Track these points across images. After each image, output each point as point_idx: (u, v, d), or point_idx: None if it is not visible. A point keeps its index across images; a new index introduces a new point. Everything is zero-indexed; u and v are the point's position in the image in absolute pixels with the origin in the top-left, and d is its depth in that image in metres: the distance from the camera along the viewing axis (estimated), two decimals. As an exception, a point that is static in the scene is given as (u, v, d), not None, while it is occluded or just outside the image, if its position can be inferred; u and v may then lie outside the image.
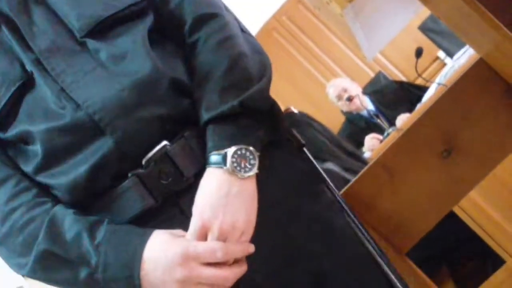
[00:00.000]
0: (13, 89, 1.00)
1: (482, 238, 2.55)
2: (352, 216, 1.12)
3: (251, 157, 0.96)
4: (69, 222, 0.97)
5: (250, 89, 0.98)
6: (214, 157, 0.96)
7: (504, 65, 1.41)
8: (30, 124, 1.00)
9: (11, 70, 1.02)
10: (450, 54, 3.87)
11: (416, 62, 2.55)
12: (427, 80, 3.41)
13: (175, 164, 0.98)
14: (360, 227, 1.12)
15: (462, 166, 1.54)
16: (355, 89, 3.92)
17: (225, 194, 0.94)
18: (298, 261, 1.01)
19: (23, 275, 1.00)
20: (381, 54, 4.68)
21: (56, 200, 1.01)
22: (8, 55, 1.03)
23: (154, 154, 0.97)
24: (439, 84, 2.48)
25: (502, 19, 0.97)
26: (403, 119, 3.39)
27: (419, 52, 2.61)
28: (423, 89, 3.76)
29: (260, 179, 0.98)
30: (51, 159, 0.99)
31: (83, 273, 0.95)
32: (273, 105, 1.06)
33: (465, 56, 2.62)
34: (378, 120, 3.72)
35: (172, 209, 0.99)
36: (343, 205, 1.14)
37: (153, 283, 0.93)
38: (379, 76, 4.41)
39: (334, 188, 1.16)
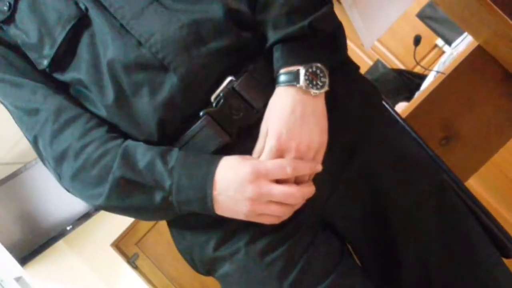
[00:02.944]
0: (68, 27, 1.00)
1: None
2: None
3: (321, 74, 0.95)
4: (142, 151, 0.99)
5: (319, 11, 0.97)
6: (284, 76, 0.96)
7: (502, 52, 1.41)
8: (92, 66, 1.00)
9: (65, 9, 1.01)
10: (449, 42, 3.85)
11: (415, 50, 2.54)
12: (426, 68, 3.40)
13: (244, 98, 0.97)
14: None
15: (461, 153, 1.54)
16: (357, 64, 3.88)
17: (300, 114, 0.95)
18: (361, 180, 1.03)
19: (98, 205, 1.02)
20: (379, 42, 4.66)
21: (128, 137, 1.03)
22: None
23: (222, 90, 0.97)
24: (437, 72, 2.47)
25: (501, 6, 0.97)
26: (401, 107, 3.38)
27: (417, 40, 2.60)
28: (422, 77, 3.74)
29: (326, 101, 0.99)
30: (119, 98, 1.00)
31: (158, 196, 0.97)
32: (339, 27, 1.05)
33: (464, 43, 2.61)
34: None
35: (247, 142, 0.99)
36: (408, 127, 1.16)
37: (225, 203, 0.96)
38: (377, 64, 4.39)
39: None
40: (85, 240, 4.47)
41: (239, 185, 0.94)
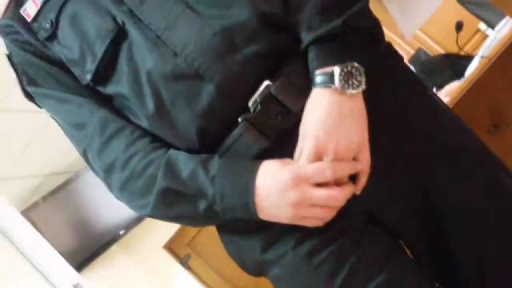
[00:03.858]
0: (107, 41, 1.03)
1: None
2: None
3: (357, 73, 0.94)
4: (184, 160, 1.00)
5: (353, 8, 0.96)
6: (320, 77, 0.95)
7: (548, 35, 1.37)
8: (132, 78, 1.03)
9: (103, 24, 1.04)
10: (492, 25, 3.77)
11: (457, 36, 2.50)
12: (469, 55, 3.33)
13: (281, 102, 0.98)
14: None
15: (510, 140, 1.51)
16: (401, 54, 3.82)
17: (337, 115, 0.94)
18: (409, 175, 1.02)
19: (146, 214, 1.05)
20: (420, 30, 4.57)
21: (170, 146, 1.05)
22: (99, 10, 1.05)
23: (259, 95, 0.97)
24: (482, 57, 2.43)
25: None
26: (452, 87, 3.33)
27: (459, 26, 2.55)
28: (469, 58, 3.69)
29: (366, 98, 0.97)
30: (159, 108, 1.02)
31: (202, 205, 0.99)
32: (376, 22, 1.03)
33: (507, 26, 2.55)
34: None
35: (287, 145, 0.99)
36: (456, 117, 1.13)
37: (267, 208, 0.96)
38: (419, 52, 4.34)
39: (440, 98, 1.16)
40: (138, 244, 4.53)
41: (280, 190, 0.94)
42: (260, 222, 1.00)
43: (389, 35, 4.69)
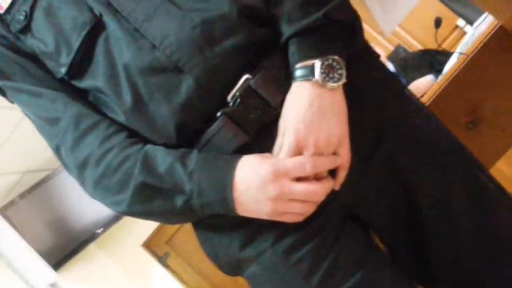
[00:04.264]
0: (83, 33, 1.00)
1: None
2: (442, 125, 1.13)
3: (338, 66, 0.93)
4: (161, 155, 0.98)
5: (333, 1, 0.95)
6: (300, 71, 0.94)
7: (526, 31, 1.37)
8: (109, 72, 1.00)
9: (80, 16, 1.01)
10: (470, 22, 3.79)
11: (436, 32, 2.50)
12: (448, 51, 3.35)
13: (260, 96, 0.96)
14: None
15: (488, 136, 1.51)
16: (377, 52, 3.84)
17: (317, 108, 0.93)
18: (387, 171, 1.02)
19: (121, 211, 1.03)
20: (399, 26, 4.59)
21: (147, 141, 1.03)
22: (76, 2, 1.03)
23: (238, 89, 0.96)
24: (460, 53, 2.43)
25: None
26: (426, 80, 3.36)
27: (438, 22, 2.56)
28: (447, 54, 3.72)
29: (345, 93, 0.97)
30: (137, 102, 1.00)
31: (179, 200, 0.97)
32: (355, 16, 1.03)
33: (486, 23, 2.56)
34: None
35: (267, 140, 0.98)
36: (431, 115, 1.13)
37: (246, 203, 0.94)
38: (398, 49, 4.35)
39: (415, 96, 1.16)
40: (116, 242, 4.50)
41: (260, 185, 0.92)
42: (238, 219, 0.98)
43: (368, 31, 4.70)
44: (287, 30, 0.96)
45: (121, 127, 1.04)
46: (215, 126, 0.98)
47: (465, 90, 1.51)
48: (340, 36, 0.97)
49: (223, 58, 0.96)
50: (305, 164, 0.92)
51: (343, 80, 0.94)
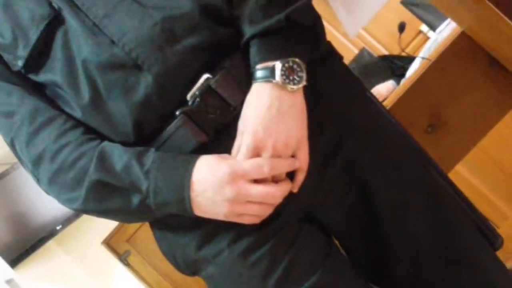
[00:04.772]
0: (42, 26, 0.98)
1: (470, 211, 2.57)
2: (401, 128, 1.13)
3: (298, 69, 0.93)
4: (118, 153, 0.97)
5: (296, 3, 0.95)
6: (261, 72, 0.93)
7: (486, 38, 1.40)
8: (67, 67, 0.98)
9: (38, 9, 0.99)
10: (433, 27, 3.84)
11: (400, 37, 2.54)
12: (411, 55, 3.40)
13: (220, 96, 0.95)
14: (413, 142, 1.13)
15: (447, 140, 1.53)
16: (340, 54, 3.87)
17: (276, 110, 0.92)
18: (346, 174, 1.02)
19: (75, 208, 1.01)
20: (364, 29, 4.64)
21: (104, 138, 1.01)
22: None
23: (198, 88, 0.94)
24: (422, 58, 2.47)
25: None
26: (385, 87, 3.42)
27: (402, 27, 2.60)
28: (405, 59, 3.79)
29: (306, 95, 0.96)
30: (94, 98, 0.98)
31: (135, 199, 0.95)
32: (317, 19, 1.02)
33: (448, 29, 2.61)
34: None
35: (225, 140, 0.97)
36: (391, 118, 1.14)
37: (203, 204, 0.94)
38: (363, 52, 4.39)
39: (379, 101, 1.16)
40: (76, 239, 4.45)
41: (217, 186, 0.92)
42: (195, 218, 0.97)
43: (332, 33, 4.73)
44: (248, 30, 0.95)
45: (78, 123, 1.02)
46: (173, 125, 0.97)
47: (426, 94, 1.53)
48: (302, 39, 0.97)
49: (183, 57, 0.95)
50: (263, 166, 0.92)
51: (303, 83, 0.93)
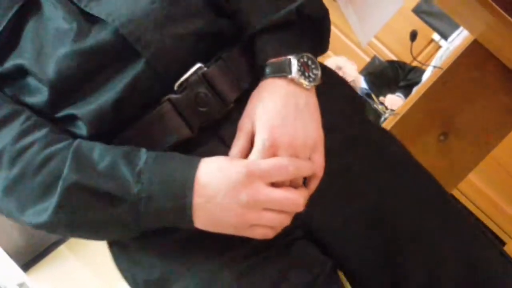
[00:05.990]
0: (11, 13, 0.84)
1: (482, 220, 2.56)
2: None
3: (313, 66, 0.84)
4: (100, 151, 0.81)
5: None
6: (273, 66, 0.84)
7: (498, 46, 1.40)
8: (36, 53, 0.85)
9: None
10: (445, 36, 3.85)
11: (411, 45, 2.53)
12: (423, 63, 3.40)
13: (214, 88, 0.84)
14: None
15: (460, 149, 1.53)
16: (350, 67, 3.89)
17: (293, 107, 0.81)
18: (356, 194, 0.89)
19: (40, 224, 0.81)
20: (376, 38, 4.65)
21: (75, 137, 0.85)
22: None
23: (190, 75, 0.83)
24: (434, 67, 2.47)
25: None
26: (389, 100, 3.46)
27: (413, 35, 2.59)
28: (412, 70, 3.82)
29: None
30: (71, 87, 0.84)
31: (121, 207, 0.79)
32: (327, 13, 0.92)
33: (460, 37, 2.61)
34: (370, 99, 3.72)
35: (212, 140, 0.86)
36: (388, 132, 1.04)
37: (210, 212, 0.78)
38: (374, 60, 4.40)
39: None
40: (86, 245, 4.45)
41: (231, 189, 0.77)
42: (159, 241, 0.85)
43: (344, 41, 4.73)
44: (257, 23, 0.86)
45: (44, 121, 0.86)
46: (155, 112, 0.84)
47: (438, 102, 1.53)
48: (312, 34, 0.89)
49: (181, 40, 0.84)
50: (287, 166, 0.79)
51: (318, 81, 0.85)
